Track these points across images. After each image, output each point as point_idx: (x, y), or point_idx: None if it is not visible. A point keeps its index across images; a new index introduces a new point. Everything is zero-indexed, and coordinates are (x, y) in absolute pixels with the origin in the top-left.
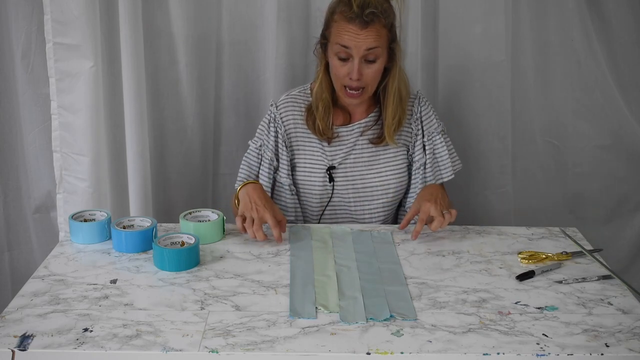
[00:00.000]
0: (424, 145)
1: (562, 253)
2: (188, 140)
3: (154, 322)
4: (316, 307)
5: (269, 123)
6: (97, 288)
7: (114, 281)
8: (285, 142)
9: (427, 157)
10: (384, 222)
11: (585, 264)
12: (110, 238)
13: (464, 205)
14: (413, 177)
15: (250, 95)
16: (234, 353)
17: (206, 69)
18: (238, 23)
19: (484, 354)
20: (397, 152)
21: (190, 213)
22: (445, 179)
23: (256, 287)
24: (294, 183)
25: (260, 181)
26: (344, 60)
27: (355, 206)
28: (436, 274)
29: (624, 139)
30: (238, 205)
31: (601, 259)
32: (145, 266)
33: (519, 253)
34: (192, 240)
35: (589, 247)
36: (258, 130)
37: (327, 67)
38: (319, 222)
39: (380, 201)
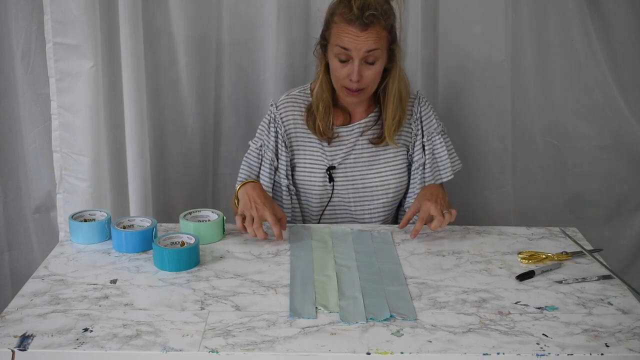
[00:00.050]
0: (423, 146)
1: (562, 253)
2: (188, 140)
3: (154, 322)
4: (316, 307)
5: (269, 123)
6: (97, 288)
7: (114, 281)
8: (285, 142)
9: (427, 157)
10: (384, 222)
11: (585, 264)
12: (110, 238)
13: (464, 205)
14: (412, 177)
15: (250, 95)
16: (234, 353)
17: (206, 69)
18: (238, 23)
19: (484, 354)
20: (397, 152)
21: (190, 213)
22: (445, 179)
23: (256, 287)
24: (294, 183)
25: (261, 182)
26: (343, 61)
27: (355, 206)
28: (436, 274)
29: (624, 139)
30: (238, 205)
31: (601, 259)
32: (145, 266)
33: (519, 253)
34: (192, 240)
35: (589, 247)
36: (258, 131)
37: (327, 67)
38: (318, 222)
39: (380, 201)
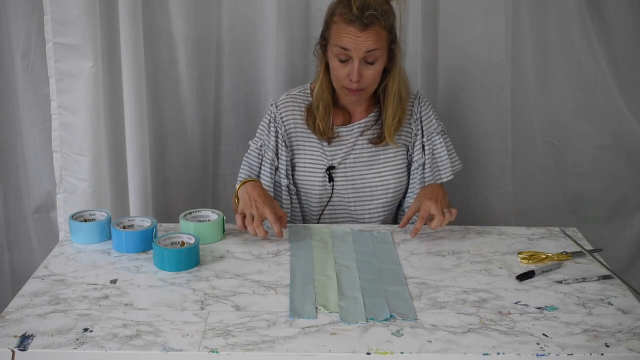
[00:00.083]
0: (423, 146)
1: (562, 253)
2: (188, 140)
3: (154, 322)
4: (316, 307)
5: (269, 123)
6: (97, 288)
7: (114, 281)
8: (285, 142)
9: (427, 157)
10: (384, 222)
11: (585, 264)
12: (110, 238)
13: (464, 205)
14: (412, 177)
15: (250, 95)
16: (234, 353)
17: (206, 69)
18: (238, 23)
19: (484, 354)
20: (397, 152)
21: (190, 213)
22: (444, 180)
23: (256, 287)
24: (294, 183)
25: (262, 181)
26: (343, 61)
27: (354, 206)
28: (436, 274)
29: (624, 139)
30: (238, 204)
31: (601, 259)
32: (145, 266)
33: (519, 253)
34: (192, 240)
35: (589, 247)
36: (258, 131)
37: (327, 67)
38: (318, 222)
39: (380, 201)
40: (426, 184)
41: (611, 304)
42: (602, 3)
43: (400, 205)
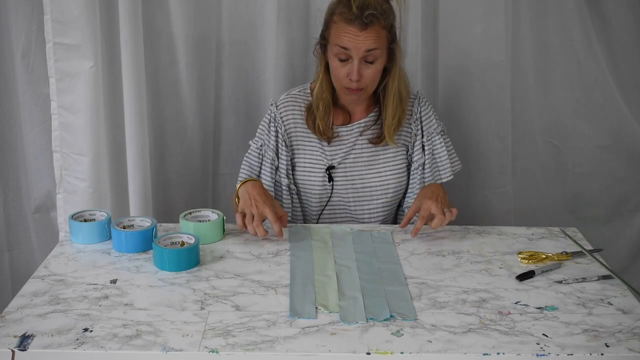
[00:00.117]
0: (423, 146)
1: (562, 253)
2: (188, 140)
3: (154, 322)
4: (316, 307)
5: (270, 122)
6: (97, 288)
7: (114, 281)
8: (285, 142)
9: (426, 157)
10: (383, 222)
11: (585, 264)
12: (110, 238)
13: (464, 205)
14: (411, 177)
15: (250, 95)
16: (234, 353)
17: (206, 69)
18: (238, 23)
19: (484, 354)
20: (397, 152)
21: (190, 213)
22: (444, 180)
23: (256, 287)
24: (294, 183)
25: (263, 181)
26: (343, 61)
27: (354, 206)
28: (436, 274)
29: (624, 139)
30: (238, 203)
31: (601, 259)
32: (145, 266)
33: (519, 253)
34: (192, 240)
35: (589, 247)
36: (258, 130)
37: (327, 67)
38: (318, 222)
39: (380, 201)
40: (426, 184)
41: (611, 304)
42: (602, 3)
43: (400, 205)
